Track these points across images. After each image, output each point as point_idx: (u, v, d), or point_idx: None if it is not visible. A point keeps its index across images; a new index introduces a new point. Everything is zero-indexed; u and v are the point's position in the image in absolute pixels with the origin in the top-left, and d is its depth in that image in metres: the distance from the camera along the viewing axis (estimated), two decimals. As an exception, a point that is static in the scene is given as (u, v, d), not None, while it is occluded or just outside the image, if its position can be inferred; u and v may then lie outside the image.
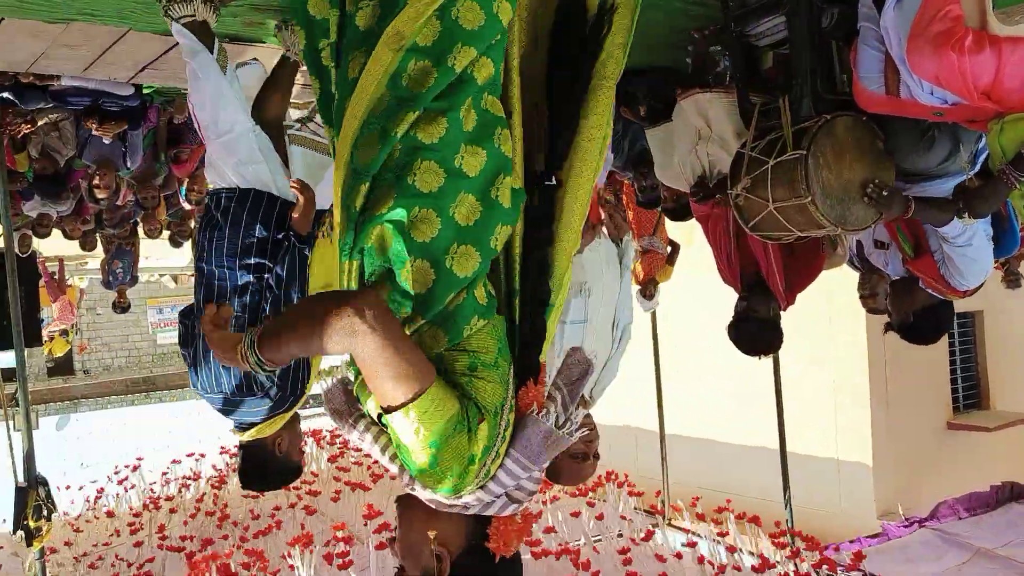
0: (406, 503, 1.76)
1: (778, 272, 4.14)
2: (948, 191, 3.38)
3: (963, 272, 3.73)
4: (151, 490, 8.24)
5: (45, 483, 4.46)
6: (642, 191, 5.22)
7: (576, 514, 6.22)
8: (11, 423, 7.18)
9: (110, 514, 7.52)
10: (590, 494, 7.06)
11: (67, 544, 6.67)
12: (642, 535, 6.06)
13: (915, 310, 3.97)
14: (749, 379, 7.61)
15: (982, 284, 3.91)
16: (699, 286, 5.48)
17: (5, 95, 4.86)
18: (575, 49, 1.94)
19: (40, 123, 5.39)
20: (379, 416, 1.66)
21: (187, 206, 7.35)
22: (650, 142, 4.41)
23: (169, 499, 7.87)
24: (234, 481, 8.13)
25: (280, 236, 3.00)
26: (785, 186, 3.34)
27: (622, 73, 2.01)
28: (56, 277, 11.04)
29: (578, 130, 1.90)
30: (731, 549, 5.59)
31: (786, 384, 6.33)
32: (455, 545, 1.69)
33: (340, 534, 5.68)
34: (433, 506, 1.68)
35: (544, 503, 6.76)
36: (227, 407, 3.00)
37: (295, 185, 2.99)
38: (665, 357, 7.68)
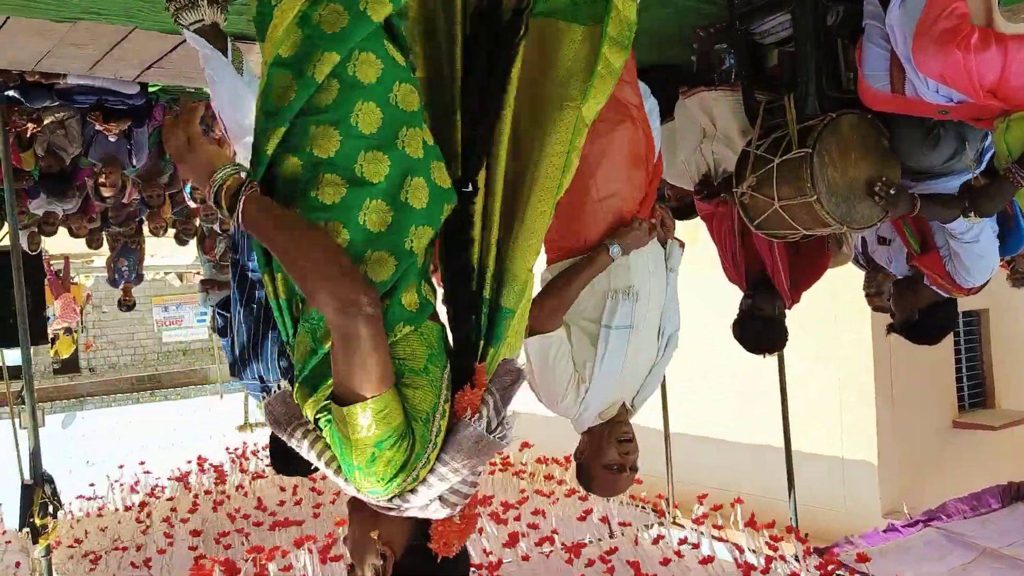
0: (355, 505, 1.80)
1: (783, 270, 4.13)
2: (954, 189, 3.38)
3: (969, 269, 3.73)
4: (160, 488, 8.26)
5: (51, 480, 4.49)
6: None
7: (583, 517, 6.22)
8: (17, 421, 7.22)
9: (127, 508, 7.54)
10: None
11: (77, 542, 6.69)
12: (647, 533, 6.06)
13: (920, 307, 3.96)
14: (754, 377, 7.60)
15: (987, 282, 3.90)
16: (704, 284, 5.47)
17: (11, 93, 4.87)
18: (487, 52, 1.92)
19: (46, 122, 5.40)
20: (316, 420, 1.71)
21: (192, 204, 7.35)
22: (654, 140, 4.41)
23: (171, 499, 7.88)
24: (235, 481, 8.16)
25: None
26: (790, 184, 3.34)
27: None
28: (60, 275, 11.06)
29: (497, 139, 1.90)
30: (739, 549, 5.58)
31: (791, 382, 6.31)
32: (398, 545, 1.75)
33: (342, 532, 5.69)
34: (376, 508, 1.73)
35: (551, 501, 6.76)
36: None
37: None
38: (670, 355, 7.65)
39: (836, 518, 8.25)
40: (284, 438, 1.75)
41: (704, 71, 3.95)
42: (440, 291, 1.89)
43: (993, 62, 2.66)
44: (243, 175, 1.63)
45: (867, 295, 4.68)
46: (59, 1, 3.13)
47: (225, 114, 2.97)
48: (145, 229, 8.53)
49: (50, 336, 11.35)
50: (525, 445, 8.35)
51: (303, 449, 1.73)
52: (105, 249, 9.06)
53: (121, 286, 9.51)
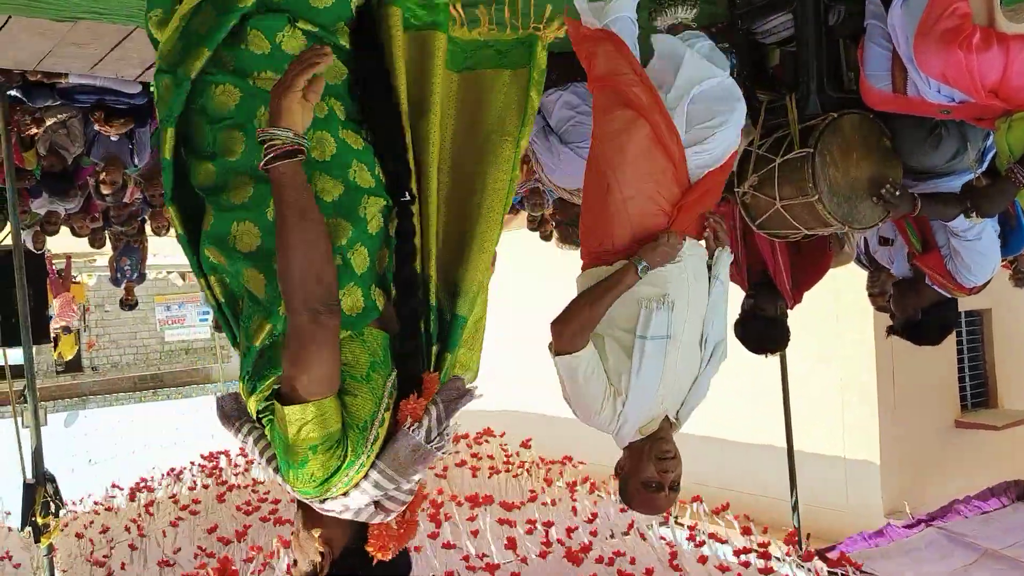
0: (301, 503, 1.84)
1: (785, 270, 4.13)
2: (956, 189, 3.37)
3: (971, 267, 3.72)
4: (162, 486, 8.27)
5: (53, 479, 4.49)
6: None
7: (590, 520, 6.23)
8: (20, 420, 7.22)
9: (131, 499, 7.56)
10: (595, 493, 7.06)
11: (78, 536, 6.70)
12: (650, 534, 6.06)
13: (922, 307, 3.95)
14: (756, 377, 7.59)
15: (989, 281, 3.90)
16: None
17: (14, 93, 4.87)
18: (368, 67, 1.99)
19: (48, 123, 5.41)
20: (259, 416, 1.75)
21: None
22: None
23: (173, 498, 7.89)
24: (236, 480, 8.16)
25: None
26: (792, 184, 3.33)
27: None
28: (62, 274, 11.05)
29: (421, 146, 1.99)
30: (746, 550, 5.57)
31: (793, 382, 6.31)
32: (337, 545, 1.79)
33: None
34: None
35: (551, 502, 6.77)
36: None
37: None
38: (672, 355, 7.63)
39: (838, 518, 8.24)
40: (232, 434, 1.81)
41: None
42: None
43: (995, 62, 2.66)
44: (301, 149, 1.62)
45: (870, 295, 4.68)
46: (60, 1, 3.13)
47: None
48: (148, 228, 8.53)
49: (51, 336, 11.35)
50: (525, 444, 8.37)
51: (248, 445, 1.79)
52: (108, 248, 9.06)
53: (123, 285, 9.51)
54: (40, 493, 4.35)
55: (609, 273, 2.56)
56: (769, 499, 8.22)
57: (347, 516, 1.75)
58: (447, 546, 5.51)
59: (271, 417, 1.70)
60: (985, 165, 3.42)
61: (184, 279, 16.43)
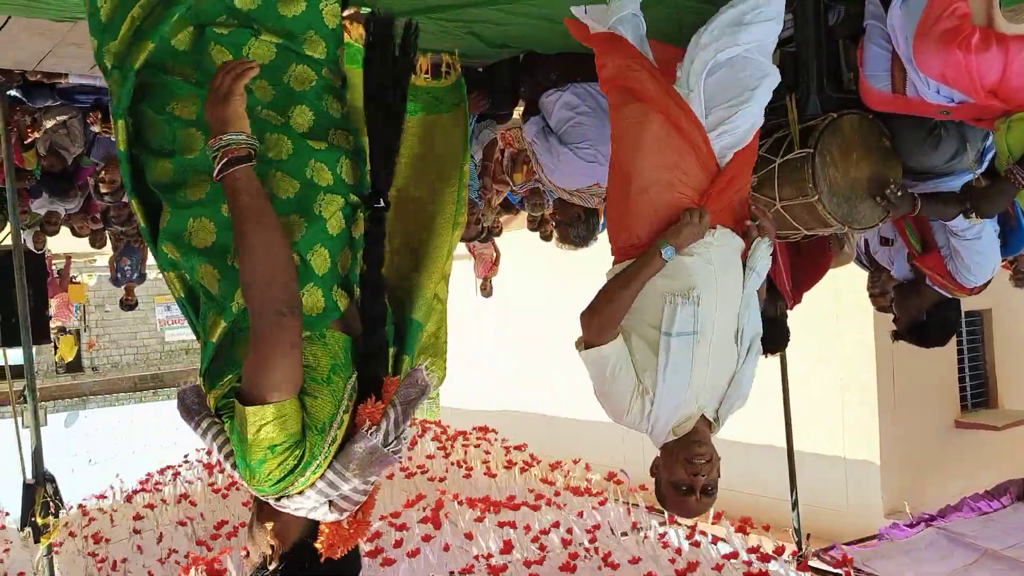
0: (257, 498, 1.87)
1: (785, 271, 4.13)
2: (956, 189, 3.37)
3: (971, 267, 3.72)
4: (161, 485, 8.26)
5: (53, 480, 4.49)
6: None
7: (594, 528, 6.22)
8: (20, 420, 7.22)
9: (139, 502, 7.55)
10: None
11: (71, 536, 6.69)
12: (649, 533, 6.06)
13: (925, 308, 3.95)
14: (756, 377, 7.61)
15: (989, 282, 3.90)
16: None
17: (14, 93, 4.87)
18: (385, 78, 2.03)
19: (48, 125, 5.41)
20: (219, 413, 1.77)
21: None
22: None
23: (178, 499, 7.88)
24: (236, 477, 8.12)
25: None
26: (792, 184, 3.33)
27: None
28: (60, 274, 11.06)
29: (397, 159, 2.07)
30: (750, 551, 5.57)
31: (793, 382, 6.30)
32: (288, 540, 1.82)
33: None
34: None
35: (552, 503, 6.76)
36: None
37: None
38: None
39: (838, 518, 8.24)
40: (191, 427, 1.83)
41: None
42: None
43: (994, 62, 2.66)
44: (251, 150, 1.68)
45: (871, 295, 4.68)
46: (60, 1, 3.13)
47: None
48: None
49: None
50: (519, 447, 8.36)
51: (207, 440, 1.81)
52: (108, 248, 9.07)
53: (124, 285, 9.51)
54: (40, 493, 4.36)
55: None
56: (769, 499, 8.23)
57: (301, 514, 1.78)
58: (446, 548, 5.51)
59: (231, 414, 1.72)
60: (984, 166, 3.42)
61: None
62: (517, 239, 9.63)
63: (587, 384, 2.52)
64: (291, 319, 1.63)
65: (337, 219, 1.87)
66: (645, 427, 2.45)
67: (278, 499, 1.75)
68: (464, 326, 11.55)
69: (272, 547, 1.81)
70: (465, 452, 8.28)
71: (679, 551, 5.51)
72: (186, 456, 8.89)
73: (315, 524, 1.83)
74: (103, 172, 5.81)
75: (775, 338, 4.36)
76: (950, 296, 3.92)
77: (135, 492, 8.08)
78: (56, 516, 4.41)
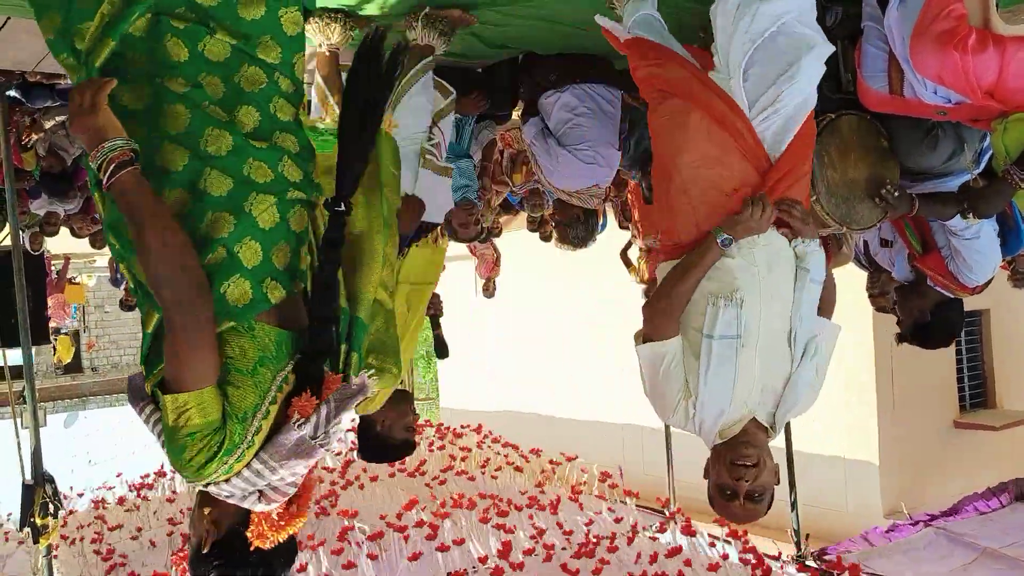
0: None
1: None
2: (954, 190, 3.38)
3: (972, 267, 3.73)
4: (156, 486, 8.27)
5: (52, 480, 4.49)
6: (649, 189, 5.21)
7: (590, 522, 6.23)
8: (19, 420, 7.22)
9: (125, 499, 7.56)
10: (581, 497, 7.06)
11: (63, 537, 6.71)
12: (650, 533, 6.07)
13: (929, 308, 3.94)
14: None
15: (990, 281, 3.91)
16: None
17: (13, 93, 4.88)
18: (368, 91, 2.05)
19: (48, 126, 5.42)
20: (154, 399, 1.82)
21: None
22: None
23: (171, 498, 7.89)
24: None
25: None
26: (790, 185, 3.33)
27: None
28: (59, 275, 11.05)
29: (367, 168, 2.08)
30: (751, 555, 5.58)
31: (792, 382, 6.31)
32: (223, 526, 1.88)
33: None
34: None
35: (552, 505, 6.77)
36: None
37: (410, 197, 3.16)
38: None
39: (838, 518, 8.25)
40: (136, 412, 1.90)
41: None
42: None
43: (991, 63, 2.66)
44: (132, 153, 1.72)
45: (870, 296, 4.68)
46: (60, 2, 3.14)
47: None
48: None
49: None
50: (514, 446, 8.36)
51: (149, 425, 1.87)
52: (108, 249, 9.07)
53: (123, 286, 9.52)
54: (39, 494, 4.36)
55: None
56: (768, 499, 8.22)
57: (232, 501, 1.83)
58: (442, 548, 5.51)
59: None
60: (982, 166, 3.43)
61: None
62: (517, 239, 9.64)
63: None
64: (201, 308, 1.68)
65: (270, 213, 1.88)
66: (692, 429, 2.40)
67: (205, 485, 1.80)
68: (464, 326, 11.57)
69: (207, 531, 1.87)
70: (465, 452, 8.30)
71: (678, 550, 5.52)
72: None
73: (248, 513, 1.88)
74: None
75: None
76: (952, 296, 3.93)
77: (136, 489, 8.10)
78: (55, 517, 4.41)
